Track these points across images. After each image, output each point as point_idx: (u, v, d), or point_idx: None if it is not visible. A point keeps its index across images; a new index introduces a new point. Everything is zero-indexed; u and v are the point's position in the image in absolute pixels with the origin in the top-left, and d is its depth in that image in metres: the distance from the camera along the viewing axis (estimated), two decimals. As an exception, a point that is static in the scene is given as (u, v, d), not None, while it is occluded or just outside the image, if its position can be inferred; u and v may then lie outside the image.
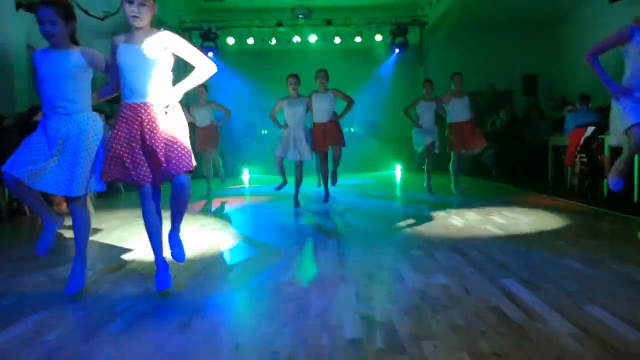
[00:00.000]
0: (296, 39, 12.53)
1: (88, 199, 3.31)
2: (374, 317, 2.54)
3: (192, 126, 7.40)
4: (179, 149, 2.90)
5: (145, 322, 2.55)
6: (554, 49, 12.36)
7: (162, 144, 2.87)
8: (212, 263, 3.88)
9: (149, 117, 2.87)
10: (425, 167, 7.51)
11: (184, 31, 12.51)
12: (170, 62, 2.96)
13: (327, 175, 6.67)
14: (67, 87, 2.90)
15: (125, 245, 4.42)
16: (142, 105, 2.89)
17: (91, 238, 4.82)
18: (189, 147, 2.98)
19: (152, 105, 2.89)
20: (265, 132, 13.16)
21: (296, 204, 6.48)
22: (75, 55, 2.93)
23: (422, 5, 12.74)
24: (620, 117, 3.67)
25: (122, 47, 2.88)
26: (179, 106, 3.00)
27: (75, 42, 3.00)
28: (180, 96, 2.95)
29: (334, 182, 6.76)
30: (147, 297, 2.94)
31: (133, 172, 2.85)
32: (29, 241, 4.65)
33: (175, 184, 2.92)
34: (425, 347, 2.18)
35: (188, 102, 7.91)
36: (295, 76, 6.46)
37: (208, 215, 6.15)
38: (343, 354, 2.16)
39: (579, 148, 7.46)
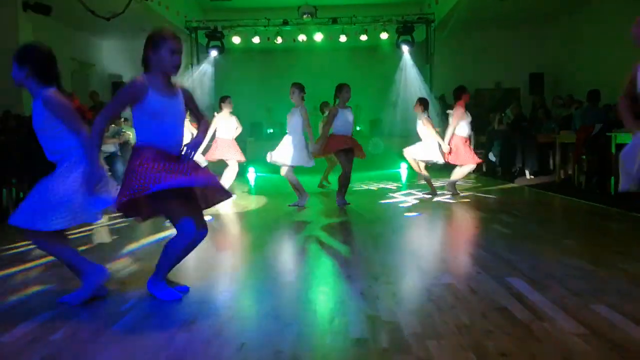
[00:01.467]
0: (302, 37, 12.52)
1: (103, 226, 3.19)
2: (380, 317, 2.53)
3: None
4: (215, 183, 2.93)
5: (151, 321, 2.56)
6: (561, 47, 12.29)
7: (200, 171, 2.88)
8: (216, 263, 3.89)
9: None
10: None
11: (190, 30, 12.55)
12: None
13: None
14: (39, 136, 2.86)
15: (131, 246, 4.44)
16: (175, 157, 2.82)
17: (96, 239, 4.85)
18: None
19: (183, 157, 2.84)
20: (271, 131, 13.16)
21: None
22: (39, 102, 2.79)
23: (429, 3, 12.70)
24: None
25: (154, 95, 2.75)
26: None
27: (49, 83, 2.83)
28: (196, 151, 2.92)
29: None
30: (152, 297, 2.94)
31: (185, 177, 2.72)
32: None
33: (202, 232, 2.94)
34: (431, 346, 2.17)
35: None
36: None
37: (213, 215, 6.16)
38: (348, 353, 2.15)
39: (586, 145, 7.41)
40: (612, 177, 6.84)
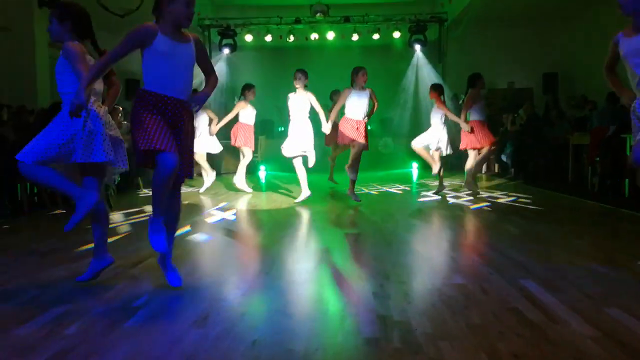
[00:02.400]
0: (314, 36, 12.52)
1: (107, 195, 3.32)
2: (391, 316, 2.53)
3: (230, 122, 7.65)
4: (191, 155, 3.03)
5: (163, 317, 2.58)
6: (575, 47, 12.17)
7: (185, 144, 2.93)
8: (228, 260, 3.91)
9: (184, 114, 2.91)
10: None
11: (202, 28, 12.60)
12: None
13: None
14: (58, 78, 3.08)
15: (143, 241, 4.47)
16: (179, 100, 2.88)
17: (109, 234, 4.89)
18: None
19: (184, 103, 2.91)
20: (282, 129, 13.18)
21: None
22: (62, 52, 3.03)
23: (442, 2, 12.63)
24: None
25: (163, 39, 2.83)
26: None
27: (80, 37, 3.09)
28: (205, 101, 3.02)
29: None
30: (165, 293, 2.97)
31: (154, 137, 2.74)
32: (49, 235, 4.74)
33: (175, 194, 3.01)
34: (442, 347, 2.16)
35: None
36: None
37: (224, 212, 6.19)
38: (360, 352, 2.15)
39: (600, 147, 7.34)
40: (626, 179, 6.78)
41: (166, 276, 3.06)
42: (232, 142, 7.72)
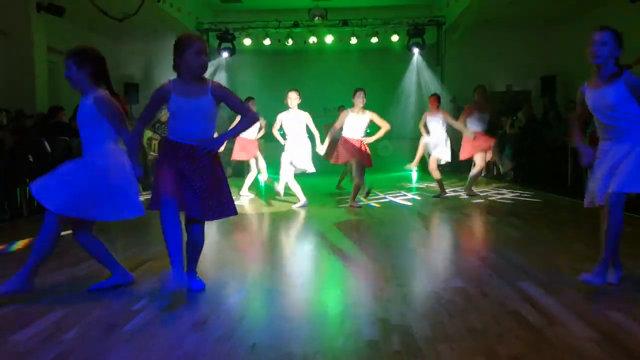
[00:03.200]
0: (312, 39, 12.53)
1: None
2: (391, 320, 2.52)
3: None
4: (218, 197, 3.03)
5: (162, 321, 2.57)
6: (573, 49, 12.16)
7: (203, 185, 2.97)
8: (228, 264, 3.90)
9: (192, 155, 2.97)
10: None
11: (201, 32, 12.60)
12: (217, 111, 3.08)
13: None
14: (83, 128, 3.05)
15: (141, 245, 4.46)
16: (191, 146, 2.97)
17: (108, 238, 4.87)
18: (227, 197, 3.10)
19: (199, 148, 2.97)
20: (281, 132, 13.17)
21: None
22: (89, 99, 3.02)
23: (440, 5, 12.66)
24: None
25: (174, 99, 2.94)
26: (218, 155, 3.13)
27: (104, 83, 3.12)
28: (222, 143, 3.08)
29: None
30: (164, 296, 2.96)
31: (161, 185, 2.91)
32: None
33: (192, 230, 3.09)
34: (441, 350, 2.16)
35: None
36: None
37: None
38: (359, 356, 2.15)
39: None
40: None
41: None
42: (232, 156, 7.83)
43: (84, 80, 3.02)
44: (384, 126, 6.40)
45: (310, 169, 6.62)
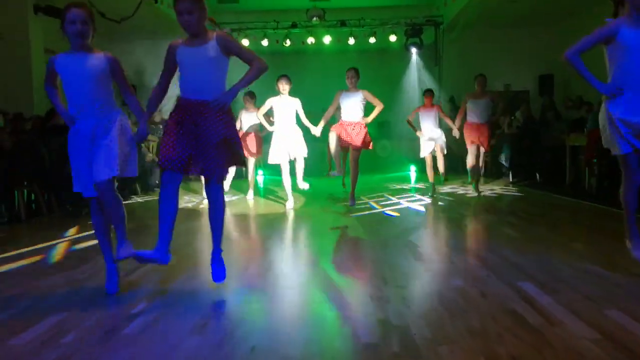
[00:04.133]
0: (310, 40, 12.53)
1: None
2: (390, 321, 2.52)
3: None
4: (220, 152, 3.00)
5: (162, 324, 2.57)
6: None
7: (212, 141, 2.96)
8: (226, 265, 3.89)
9: (200, 111, 2.97)
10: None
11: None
12: (226, 63, 3.08)
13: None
14: (93, 87, 3.00)
15: (141, 247, 4.45)
16: (200, 102, 2.97)
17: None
18: (238, 152, 3.12)
19: (208, 103, 2.97)
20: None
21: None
22: (100, 58, 3.03)
23: (437, 5, 12.66)
24: (608, 127, 3.18)
25: (181, 49, 2.99)
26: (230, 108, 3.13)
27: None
28: (234, 96, 3.06)
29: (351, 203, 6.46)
30: (163, 299, 2.96)
31: (164, 155, 2.93)
32: (47, 242, 4.71)
33: (210, 192, 3.11)
34: (441, 351, 2.16)
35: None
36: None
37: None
38: (358, 357, 2.15)
39: (597, 148, 7.35)
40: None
41: (212, 271, 3.16)
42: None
43: (89, 39, 3.00)
44: (379, 105, 6.27)
45: (302, 153, 6.52)
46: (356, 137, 6.19)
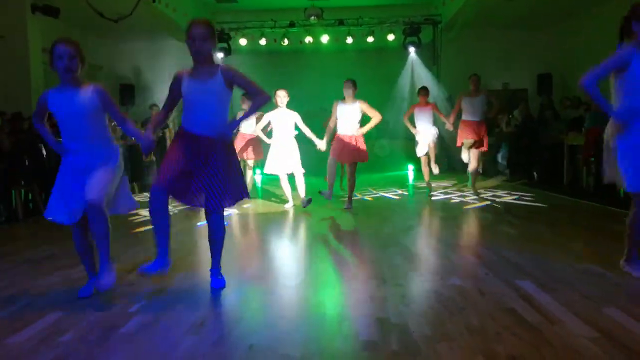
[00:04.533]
0: (308, 39, 12.51)
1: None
2: (389, 319, 2.52)
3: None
4: (225, 186, 3.03)
5: (159, 323, 2.56)
6: (569, 47, 12.21)
7: (219, 176, 3.00)
8: (225, 265, 3.89)
9: (207, 147, 3.00)
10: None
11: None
12: (229, 95, 3.11)
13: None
14: (86, 123, 2.98)
15: (139, 246, 4.45)
16: (206, 137, 3.01)
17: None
18: (241, 184, 3.16)
19: (211, 137, 3.01)
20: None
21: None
22: (89, 93, 2.99)
23: (436, 4, 12.67)
24: (618, 162, 3.09)
25: (187, 81, 3.01)
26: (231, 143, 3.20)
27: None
28: (235, 127, 3.21)
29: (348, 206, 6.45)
30: (161, 298, 2.96)
31: (160, 175, 2.96)
32: (44, 242, 4.71)
33: (211, 221, 3.14)
34: (440, 349, 2.16)
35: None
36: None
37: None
38: (358, 356, 2.14)
39: (595, 147, 7.36)
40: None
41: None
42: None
43: (77, 77, 2.97)
44: (375, 117, 6.23)
45: (299, 170, 6.49)
46: (354, 153, 6.20)
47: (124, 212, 3.21)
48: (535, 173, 9.27)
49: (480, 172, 9.84)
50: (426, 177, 7.54)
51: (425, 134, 7.32)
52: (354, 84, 6.28)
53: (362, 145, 6.27)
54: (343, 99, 6.30)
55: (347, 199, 6.46)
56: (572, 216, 5.72)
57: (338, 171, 7.40)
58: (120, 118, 3.10)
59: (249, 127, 7.55)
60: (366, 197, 6.44)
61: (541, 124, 9.78)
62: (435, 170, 7.50)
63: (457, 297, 2.83)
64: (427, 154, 7.42)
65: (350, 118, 6.22)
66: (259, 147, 7.64)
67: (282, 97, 6.49)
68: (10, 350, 2.26)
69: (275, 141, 6.56)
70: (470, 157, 7.16)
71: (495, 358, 2.06)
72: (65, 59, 2.90)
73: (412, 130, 7.39)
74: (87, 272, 3.15)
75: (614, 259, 3.54)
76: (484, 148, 7.12)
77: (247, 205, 7.13)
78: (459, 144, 7.13)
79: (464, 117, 7.08)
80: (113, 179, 3.01)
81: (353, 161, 6.27)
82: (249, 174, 7.90)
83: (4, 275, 3.59)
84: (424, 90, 7.53)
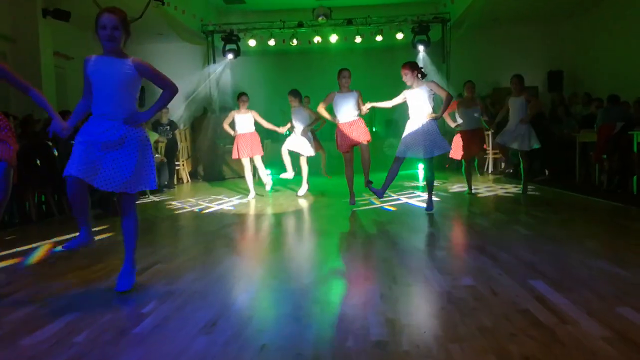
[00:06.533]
0: (317, 39, 12.52)
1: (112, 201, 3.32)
2: (400, 319, 2.51)
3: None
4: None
5: (172, 323, 2.58)
6: (580, 44, 12.11)
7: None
8: (236, 264, 3.90)
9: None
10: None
11: (206, 34, 12.64)
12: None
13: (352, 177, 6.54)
14: (119, 94, 3.01)
15: (150, 247, 4.48)
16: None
17: (118, 239, 4.90)
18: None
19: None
20: (288, 133, 13.17)
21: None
22: (128, 63, 3.02)
23: (444, 2, 12.61)
24: None
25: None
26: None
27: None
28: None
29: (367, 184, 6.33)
30: (173, 299, 2.97)
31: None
32: (58, 243, 4.75)
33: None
34: (452, 349, 2.14)
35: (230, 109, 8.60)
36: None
37: (231, 218, 6.19)
38: (369, 356, 2.14)
39: (607, 144, 7.29)
40: (635, 176, 6.73)
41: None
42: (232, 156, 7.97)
43: (121, 45, 3.00)
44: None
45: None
46: (360, 135, 6.25)
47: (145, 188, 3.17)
48: (546, 170, 9.19)
49: (503, 168, 9.81)
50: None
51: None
52: (349, 74, 6.37)
53: (362, 125, 6.31)
54: (337, 90, 6.38)
55: (364, 177, 6.35)
56: (585, 214, 5.67)
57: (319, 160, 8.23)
58: (162, 80, 3.09)
59: (245, 128, 7.64)
60: (386, 207, 6.35)
61: (553, 121, 9.70)
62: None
63: (469, 297, 2.82)
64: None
65: (350, 107, 6.29)
66: (256, 142, 7.80)
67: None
68: (25, 352, 2.28)
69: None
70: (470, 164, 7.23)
71: (508, 359, 2.05)
72: (108, 28, 2.93)
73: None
74: (81, 224, 3.10)
75: (629, 258, 3.51)
76: (470, 155, 7.11)
77: (254, 203, 7.15)
78: (455, 157, 7.13)
79: (460, 126, 7.05)
80: (141, 161, 3.04)
81: (359, 142, 6.25)
82: (247, 172, 7.89)
83: (18, 277, 3.63)
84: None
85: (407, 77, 5.68)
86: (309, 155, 7.77)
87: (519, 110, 6.82)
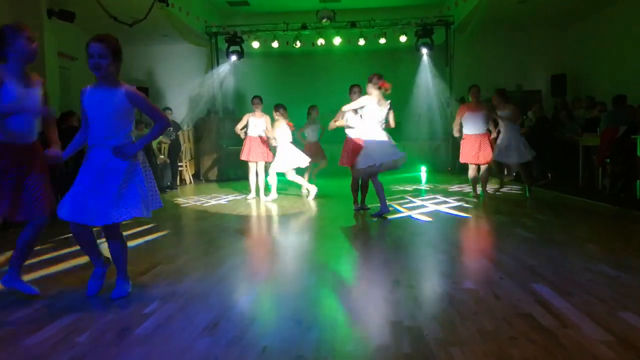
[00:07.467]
0: (320, 41, 12.53)
1: None
2: (401, 322, 2.51)
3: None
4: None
5: (173, 324, 2.58)
6: (583, 48, 12.09)
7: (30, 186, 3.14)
8: (238, 266, 3.91)
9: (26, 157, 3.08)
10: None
11: (209, 36, 12.67)
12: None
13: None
14: (110, 123, 2.97)
15: (152, 249, 4.49)
16: (20, 145, 3.07)
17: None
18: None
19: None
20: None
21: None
22: (120, 93, 2.97)
23: (448, 5, 12.61)
24: None
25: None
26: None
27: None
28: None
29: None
30: (175, 300, 2.98)
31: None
32: (59, 244, 4.76)
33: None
34: (453, 353, 2.14)
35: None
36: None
37: (234, 220, 6.20)
38: (370, 359, 2.14)
39: (610, 148, 7.28)
40: (638, 181, 6.71)
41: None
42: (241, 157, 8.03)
43: (113, 75, 2.96)
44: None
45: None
46: (355, 152, 6.27)
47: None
48: (549, 174, 9.18)
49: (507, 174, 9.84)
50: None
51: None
52: (360, 89, 6.45)
53: (358, 142, 6.31)
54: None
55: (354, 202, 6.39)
56: (587, 218, 5.66)
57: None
58: (158, 115, 3.08)
59: (256, 131, 7.70)
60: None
61: (556, 125, 9.68)
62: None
63: (470, 300, 2.82)
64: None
65: (355, 121, 6.40)
66: (266, 149, 7.85)
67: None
68: (27, 352, 2.29)
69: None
70: (472, 170, 7.24)
71: (509, 362, 2.05)
72: (95, 57, 2.89)
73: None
74: (92, 262, 3.16)
75: (631, 262, 3.51)
76: (486, 161, 7.07)
77: (255, 203, 7.16)
78: (462, 160, 7.21)
79: (465, 130, 7.09)
80: (124, 184, 2.95)
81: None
82: (251, 175, 7.97)
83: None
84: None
85: (389, 91, 6.13)
86: (306, 162, 7.70)
87: (482, 120, 7.02)
